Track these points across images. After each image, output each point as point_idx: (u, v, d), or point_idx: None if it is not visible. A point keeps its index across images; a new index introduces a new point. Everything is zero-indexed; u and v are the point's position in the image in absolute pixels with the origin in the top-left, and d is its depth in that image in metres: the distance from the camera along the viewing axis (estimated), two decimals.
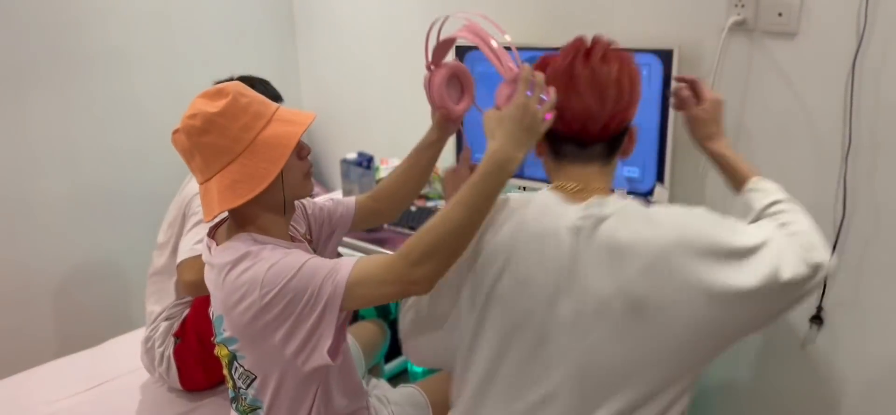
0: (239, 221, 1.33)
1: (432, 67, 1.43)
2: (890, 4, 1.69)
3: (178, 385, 1.95)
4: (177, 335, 1.92)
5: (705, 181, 2.09)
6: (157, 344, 1.94)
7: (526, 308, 1.18)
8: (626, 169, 2.10)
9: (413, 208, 2.28)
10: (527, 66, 1.22)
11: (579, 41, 1.28)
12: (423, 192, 2.44)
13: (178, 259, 1.80)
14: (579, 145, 1.24)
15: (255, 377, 1.35)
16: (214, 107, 1.23)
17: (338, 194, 2.53)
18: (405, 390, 1.73)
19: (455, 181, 1.49)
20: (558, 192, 1.24)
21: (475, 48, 2.29)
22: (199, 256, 1.74)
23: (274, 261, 1.23)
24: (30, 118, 2.44)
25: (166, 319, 1.94)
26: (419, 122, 2.84)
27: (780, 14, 1.83)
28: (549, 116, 1.22)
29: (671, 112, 1.97)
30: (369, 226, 1.69)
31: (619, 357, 1.14)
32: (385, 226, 2.26)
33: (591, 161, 1.25)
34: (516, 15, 2.38)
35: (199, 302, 1.92)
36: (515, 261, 1.19)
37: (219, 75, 2.17)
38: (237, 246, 1.28)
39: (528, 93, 1.19)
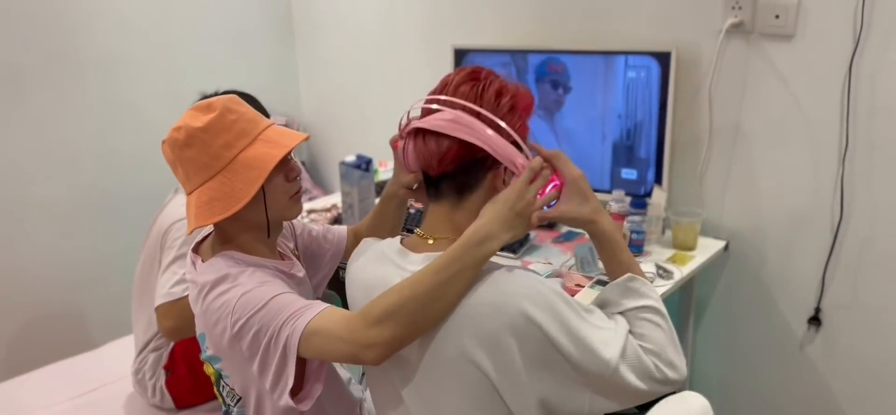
0: (221, 238, 1.29)
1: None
2: (886, 7, 1.69)
3: (173, 406, 1.92)
4: (167, 368, 1.90)
5: (704, 182, 2.09)
6: (147, 377, 1.90)
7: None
8: (624, 171, 2.10)
9: (411, 211, 2.28)
10: (538, 159, 1.12)
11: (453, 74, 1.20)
12: None
13: (156, 301, 1.70)
14: (428, 182, 1.17)
15: (241, 397, 1.32)
16: (199, 122, 1.21)
17: (336, 197, 2.53)
18: None
19: None
20: (409, 239, 1.18)
21: (474, 50, 2.30)
22: (179, 300, 1.67)
23: (247, 288, 1.18)
24: (28, 122, 2.43)
25: (154, 350, 1.89)
26: None
27: (777, 16, 1.84)
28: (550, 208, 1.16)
29: (669, 115, 1.98)
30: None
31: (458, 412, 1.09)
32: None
33: (439, 201, 1.16)
34: (514, 18, 2.38)
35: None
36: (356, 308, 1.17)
37: (218, 80, 2.17)
38: (219, 265, 1.24)
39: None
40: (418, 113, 1.18)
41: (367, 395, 1.68)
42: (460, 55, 2.34)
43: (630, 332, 1.08)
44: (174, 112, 2.21)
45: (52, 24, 2.44)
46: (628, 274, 1.12)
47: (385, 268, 1.15)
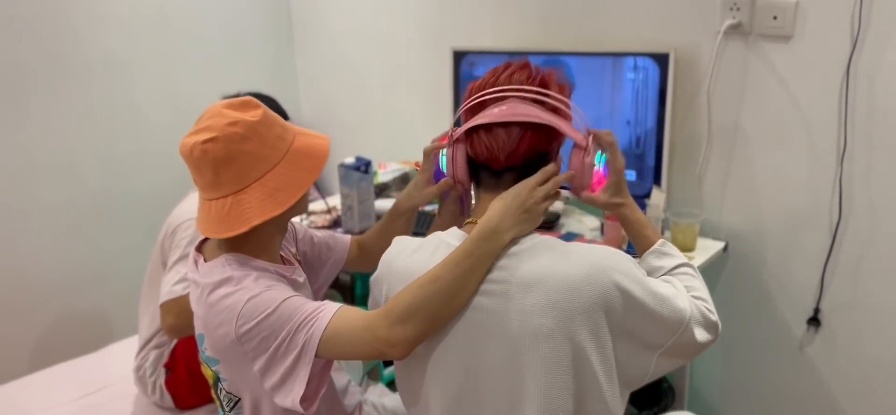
0: (234, 238, 1.25)
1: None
2: (884, 8, 1.70)
3: (172, 406, 1.93)
4: (167, 367, 1.90)
5: (702, 184, 2.10)
6: (148, 374, 1.91)
7: (451, 358, 1.15)
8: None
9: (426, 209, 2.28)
10: (552, 166, 1.21)
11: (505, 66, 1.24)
12: None
13: (160, 298, 1.73)
14: (492, 173, 1.20)
15: (238, 400, 1.31)
16: (251, 116, 1.22)
17: (335, 199, 2.53)
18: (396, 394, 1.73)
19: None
20: (469, 228, 1.18)
21: (472, 52, 2.31)
22: (180, 298, 1.69)
23: (254, 293, 1.19)
24: (29, 125, 2.44)
25: (156, 347, 1.91)
26: (416, 127, 2.86)
27: (775, 17, 1.84)
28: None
29: (668, 116, 1.98)
30: (358, 270, 1.66)
31: (532, 390, 1.10)
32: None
33: (500, 192, 1.18)
34: (514, 20, 2.38)
35: (185, 338, 1.86)
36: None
37: (218, 82, 2.18)
38: (223, 267, 1.24)
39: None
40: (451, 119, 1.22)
41: (369, 396, 1.68)
42: (459, 57, 2.34)
43: None
44: (175, 116, 2.22)
45: (54, 28, 2.44)
46: (659, 241, 1.28)
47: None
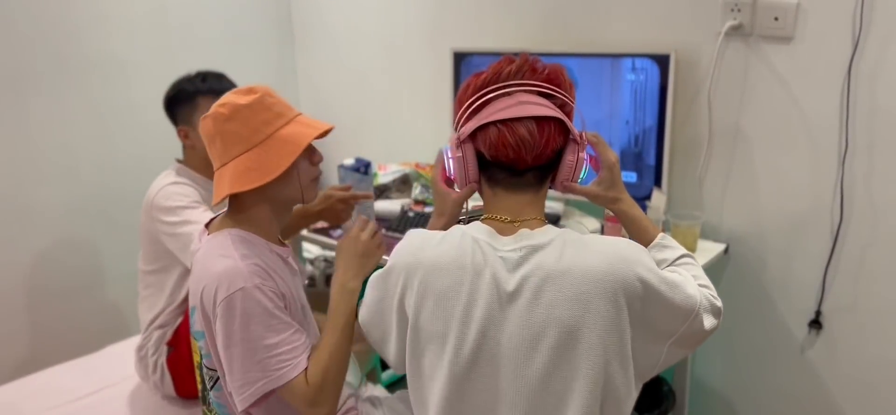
0: (236, 209, 1.40)
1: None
2: (885, 9, 1.69)
3: (172, 392, 1.94)
4: (170, 344, 1.92)
5: (703, 185, 2.09)
6: (150, 352, 1.93)
7: (464, 344, 1.13)
8: (624, 174, 2.09)
9: (411, 214, 2.28)
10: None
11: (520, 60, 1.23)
12: (422, 198, 2.45)
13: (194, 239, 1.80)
14: (513, 173, 1.19)
15: (218, 379, 1.38)
16: (243, 100, 1.33)
17: None
18: (400, 393, 1.73)
19: None
20: (490, 223, 1.19)
21: (475, 54, 2.30)
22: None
23: (250, 286, 1.29)
24: (30, 125, 2.44)
25: (159, 327, 1.93)
26: (416, 128, 2.85)
27: (776, 18, 1.84)
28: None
29: (668, 117, 1.97)
30: None
31: (559, 383, 1.10)
32: (383, 231, 2.25)
33: (524, 190, 1.20)
34: (514, 21, 2.38)
35: (188, 312, 1.90)
36: (448, 298, 1.14)
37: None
38: (222, 240, 1.35)
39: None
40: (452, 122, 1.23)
41: (367, 393, 1.68)
42: (459, 58, 2.34)
43: None
44: None
45: (54, 28, 2.44)
46: (659, 234, 1.31)
47: (479, 253, 1.14)
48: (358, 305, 1.36)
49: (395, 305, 1.20)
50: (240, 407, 1.30)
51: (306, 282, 2.60)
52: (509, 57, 1.22)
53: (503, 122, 1.14)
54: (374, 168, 2.50)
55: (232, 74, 2.17)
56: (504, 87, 1.17)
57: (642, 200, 2.06)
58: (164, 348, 1.92)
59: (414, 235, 1.24)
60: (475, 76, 1.23)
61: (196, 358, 1.46)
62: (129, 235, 2.68)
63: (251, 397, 1.28)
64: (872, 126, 1.77)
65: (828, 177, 1.87)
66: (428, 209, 2.39)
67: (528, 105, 1.14)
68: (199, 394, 1.50)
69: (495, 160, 1.18)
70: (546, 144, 1.16)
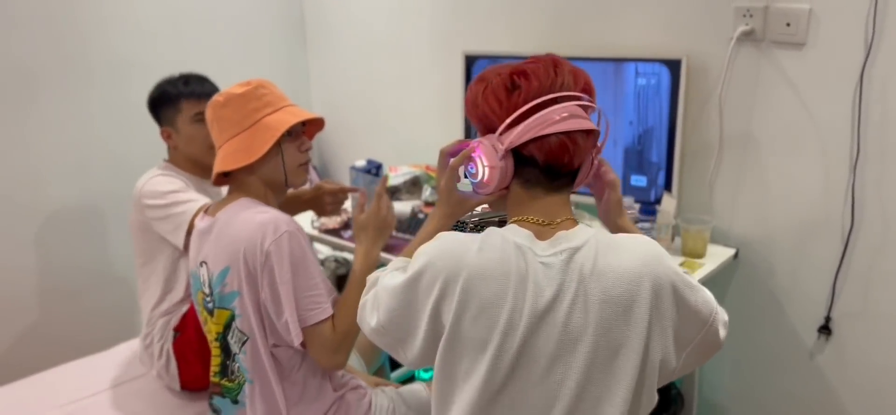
0: (236, 189, 1.56)
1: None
2: None
3: (177, 382, 1.95)
4: (177, 329, 1.94)
5: (713, 190, 2.09)
6: (155, 339, 1.95)
7: (505, 352, 1.10)
8: (634, 178, 2.10)
9: (422, 216, 2.29)
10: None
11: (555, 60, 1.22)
12: (432, 200, 2.46)
13: (189, 218, 1.84)
14: (556, 176, 1.18)
15: (248, 338, 1.48)
16: (238, 90, 1.50)
17: (346, 202, 2.53)
18: (409, 386, 1.74)
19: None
20: (527, 227, 1.18)
21: (484, 56, 2.31)
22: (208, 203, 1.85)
23: (293, 230, 1.45)
24: (41, 125, 2.46)
25: (164, 314, 1.96)
26: (427, 130, 2.86)
27: (788, 24, 1.84)
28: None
29: (679, 122, 1.98)
30: None
31: (597, 388, 1.09)
32: (393, 232, 2.26)
33: (561, 190, 1.19)
34: (525, 25, 2.39)
35: None
36: (493, 306, 1.11)
37: (230, 83, 2.20)
38: (243, 203, 1.51)
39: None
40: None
41: (377, 390, 1.69)
42: (471, 61, 2.35)
43: None
44: None
45: (67, 29, 2.46)
46: None
47: (521, 259, 1.11)
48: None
49: (428, 310, 1.13)
50: (296, 342, 1.44)
51: None
52: (553, 59, 1.21)
53: (566, 133, 1.14)
54: (385, 170, 2.51)
55: (244, 76, 2.18)
56: (558, 97, 1.16)
57: (652, 204, 2.06)
58: (171, 334, 1.94)
59: (448, 240, 1.17)
60: (522, 78, 1.18)
61: (216, 330, 1.55)
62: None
63: (300, 335, 1.44)
64: (884, 132, 1.77)
65: (839, 183, 1.86)
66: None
67: (578, 119, 1.16)
68: (216, 369, 1.60)
69: (548, 165, 1.16)
70: (587, 153, 1.19)
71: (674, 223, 2.02)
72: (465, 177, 1.28)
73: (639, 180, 2.10)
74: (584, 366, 1.08)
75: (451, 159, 1.30)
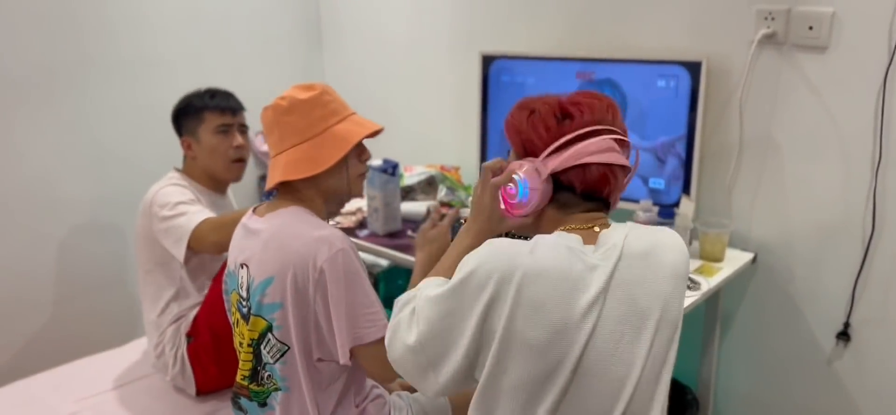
0: (290, 197, 1.49)
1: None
2: None
3: (193, 387, 1.94)
4: (189, 334, 1.93)
5: (732, 194, 2.08)
6: (168, 347, 1.94)
7: (566, 359, 1.09)
8: (652, 180, 2.09)
9: (462, 221, 2.28)
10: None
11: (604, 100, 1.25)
12: (446, 200, 2.45)
13: (187, 234, 1.83)
14: (587, 199, 1.22)
15: (288, 349, 1.43)
16: (303, 95, 1.45)
17: (362, 201, 2.53)
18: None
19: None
20: (575, 232, 1.18)
21: (501, 57, 2.31)
22: (209, 218, 1.86)
23: (347, 247, 1.40)
24: (59, 123, 2.47)
25: (173, 321, 1.95)
26: (443, 130, 2.86)
27: (810, 27, 1.82)
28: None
29: (699, 125, 1.97)
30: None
31: (652, 370, 1.13)
32: (408, 232, 2.27)
33: (595, 210, 1.23)
34: (543, 26, 2.38)
35: (211, 299, 1.92)
36: (548, 308, 1.09)
37: (247, 83, 2.22)
38: (296, 214, 1.45)
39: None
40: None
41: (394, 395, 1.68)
42: (488, 62, 2.34)
43: None
44: None
45: (85, 28, 2.47)
46: None
47: (577, 263, 1.11)
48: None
49: (477, 314, 1.09)
50: (342, 360, 1.40)
51: None
52: (596, 95, 1.24)
53: (606, 164, 1.18)
54: (401, 169, 2.51)
55: (260, 76, 2.20)
56: (602, 130, 1.18)
57: (671, 207, 2.05)
58: (183, 339, 1.93)
59: (500, 244, 1.15)
60: (576, 108, 1.20)
61: (249, 336, 1.47)
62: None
63: (348, 353, 1.40)
64: None
65: (860, 187, 1.85)
66: (464, 211, 2.39)
67: (614, 153, 1.19)
68: (246, 373, 1.52)
69: (586, 192, 1.20)
70: (620, 188, 1.23)
71: (692, 226, 2.01)
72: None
73: (657, 183, 2.09)
74: (648, 348, 1.12)
75: (494, 178, 1.27)
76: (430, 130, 2.87)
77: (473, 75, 2.42)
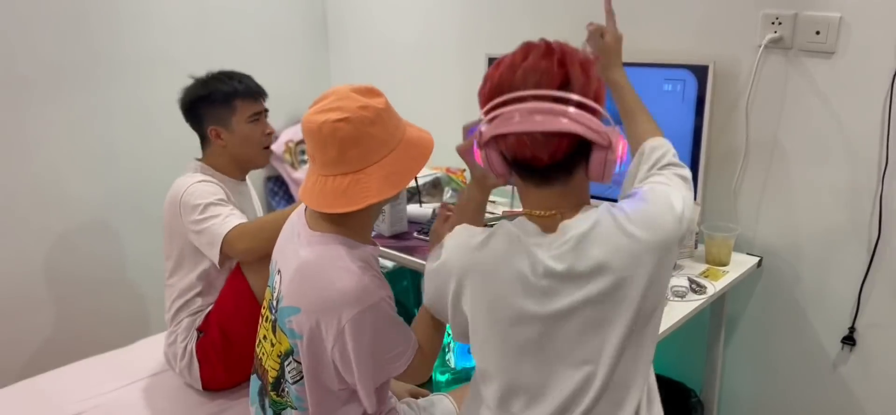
0: (337, 217, 1.34)
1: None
2: None
3: (198, 382, 1.95)
4: (200, 329, 1.93)
5: (738, 197, 2.08)
6: (179, 339, 1.95)
7: (516, 339, 1.19)
8: None
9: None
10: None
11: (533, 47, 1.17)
12: (453, 202, 2.46)
13: (219, 238, 1.80)
14: (536, 171, 1.16)
15: (303, 377, 1.40)
16: (378, 103, 1.31)
17: None
18: (435, 397, 1.74)
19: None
20: (533, 220, 1.19)
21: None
22: (241, 224, 1.82)
23: (378, 302, 1.31)
24: (68, 121, 2.48)
25: (190, 315, 1.95)
26: (449, 133, 2.85)
27: (817, 32, 1.82)
28: None
29: (705, 129, 1.97)
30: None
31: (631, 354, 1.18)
32: (414, 234, 2.27)
33: (552, 184, 1.16)
34: (550, 28, 2.38)
35: (223, 298, 1.92)
36: (501, 300, 1.18)
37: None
38: (336, 251, 1.32)
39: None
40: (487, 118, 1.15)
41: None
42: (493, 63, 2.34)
43: None
44: None
45: (94, 26, 2.49)
46: (647, 140, 1.44)
47: (522, 261, 1.17)
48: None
49: (449, 302, 1.25)
50: (367, 404, 1.37)
51: None
52: (526, 48, 1.17)
53: (524, 133, 1.10)
54: None
55: (267, 75, 2.20)
56: (518, 98, 1.10)
57: None
58: (194, 334, 1.94)
59: (461, 237, 1.24)
60: (494, 68, 1.18)
61: (278, 349, 1.43)
62: (162, 232, 2.73)
63: (372, 396, 1.38)
64: None
65: (866, 192, 1.85)
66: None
67: (541, 116, 1.08)
68: (271, 381, 1.48)
69: (516, 161, 1.16)
70: (557, 149, 1.11)
71: (697, 230, 2.01)
72: None
73: None
74: (622, 333, 1.15)
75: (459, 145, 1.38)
76: (435, 132, 2.84)
77: (479, 77, 2.41)
